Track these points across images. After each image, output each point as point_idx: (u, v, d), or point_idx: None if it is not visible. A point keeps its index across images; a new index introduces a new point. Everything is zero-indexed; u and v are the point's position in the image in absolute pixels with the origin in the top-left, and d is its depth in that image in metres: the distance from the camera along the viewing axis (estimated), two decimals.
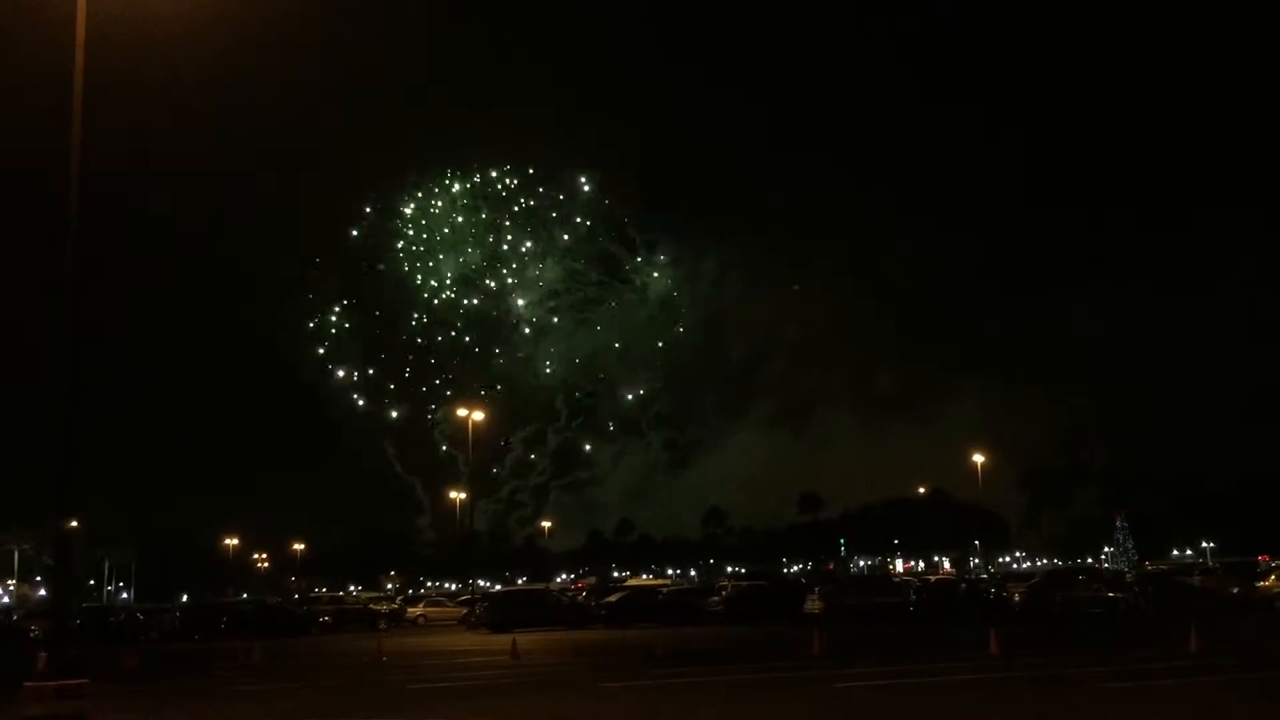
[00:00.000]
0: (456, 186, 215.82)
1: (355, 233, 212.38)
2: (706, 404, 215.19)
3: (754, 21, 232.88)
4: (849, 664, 26.46)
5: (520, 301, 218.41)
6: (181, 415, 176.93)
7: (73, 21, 15.46)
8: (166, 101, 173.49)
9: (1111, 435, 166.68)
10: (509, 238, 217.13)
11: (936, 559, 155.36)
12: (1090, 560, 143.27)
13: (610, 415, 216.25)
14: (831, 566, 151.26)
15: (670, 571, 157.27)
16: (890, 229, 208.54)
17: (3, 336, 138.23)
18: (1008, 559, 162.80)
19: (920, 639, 35.78)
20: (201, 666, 34.95)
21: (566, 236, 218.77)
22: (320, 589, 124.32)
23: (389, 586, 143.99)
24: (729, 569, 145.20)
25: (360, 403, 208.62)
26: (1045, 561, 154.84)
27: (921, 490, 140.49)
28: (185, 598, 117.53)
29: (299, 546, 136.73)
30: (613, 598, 57.67)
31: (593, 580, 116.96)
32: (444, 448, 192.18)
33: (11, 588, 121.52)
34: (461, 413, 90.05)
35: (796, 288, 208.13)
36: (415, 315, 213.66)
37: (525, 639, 38.88)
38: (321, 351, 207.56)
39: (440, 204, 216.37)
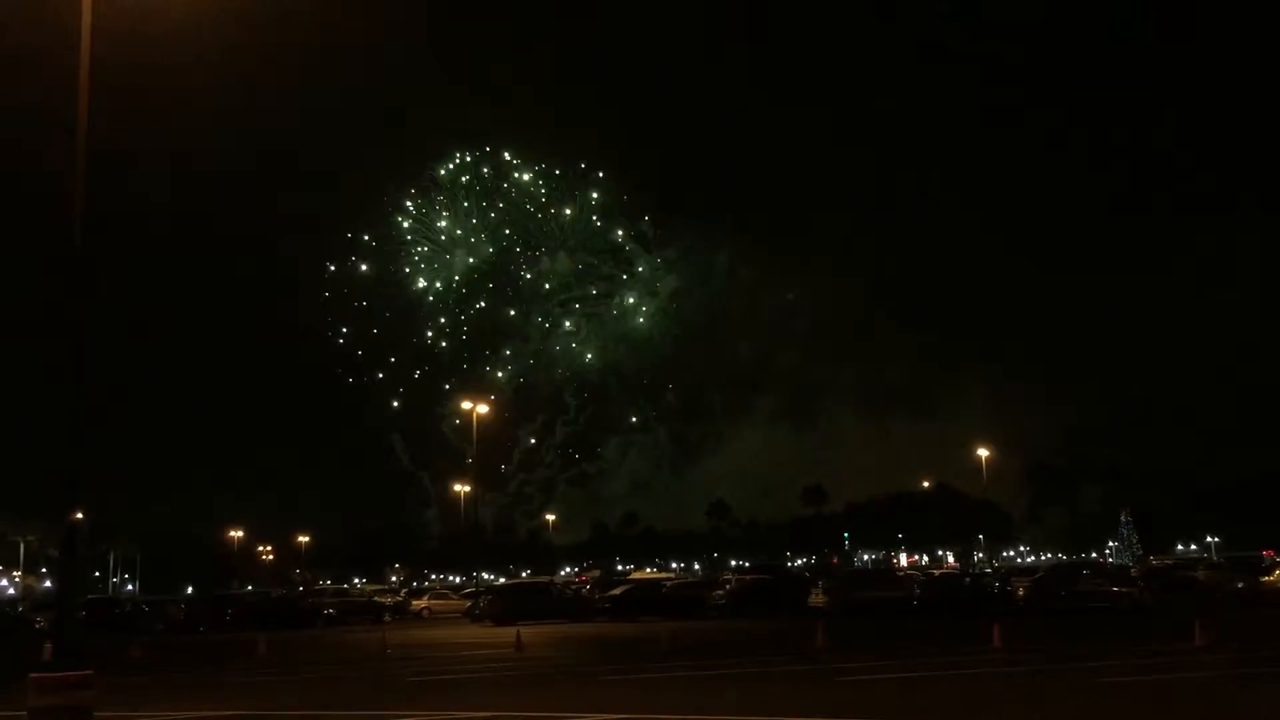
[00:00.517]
0: (466, 177, 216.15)
1: (365, 228, 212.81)
2: (713, 398, 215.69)
3: (761, 17, 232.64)
4: (852, 657, 26.47)
5: (531, 296, 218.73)
6: (186, 410, 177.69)
7: (75, 21, 15.46)
8: (167, 99, 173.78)
9: (1116, 430, 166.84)
10: (519, 234, 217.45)
11: (940, 553, 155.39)
12: (1094, 555, 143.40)
13: (619, 409, 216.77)
14: (835, 560, 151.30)
15: (674, 565, 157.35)
16: (897, 227, 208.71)
17: (6, 332, 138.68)
18: (1012, 553, 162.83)
19: (924, 632, 35.77)
20: (206, 658, 35.02)
21: (577, 232, 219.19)
22: (325, 581, 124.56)
23: (393, 579, 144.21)
24: (733, 563, 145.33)
25: (369, 396, 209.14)
26: (1049, 556, 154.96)
27: (925, 484, 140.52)
28: (190, 590, 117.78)
29: (303, 539, 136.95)
30: (616, 591, 57.70)
31: (597, 573, 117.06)
32: (450, 438, 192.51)
33: (17, 579, 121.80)
34: (466, 405, 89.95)
35: (791, 296, 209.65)
36: (425, 310, 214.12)
37: (529, 632, 38.91)
38: (330, 343, 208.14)
39: (452, 199, 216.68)
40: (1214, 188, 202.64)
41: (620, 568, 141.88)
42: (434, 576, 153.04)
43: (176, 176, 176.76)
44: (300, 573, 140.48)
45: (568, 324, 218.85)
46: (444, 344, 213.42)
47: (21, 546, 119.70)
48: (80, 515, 16.34)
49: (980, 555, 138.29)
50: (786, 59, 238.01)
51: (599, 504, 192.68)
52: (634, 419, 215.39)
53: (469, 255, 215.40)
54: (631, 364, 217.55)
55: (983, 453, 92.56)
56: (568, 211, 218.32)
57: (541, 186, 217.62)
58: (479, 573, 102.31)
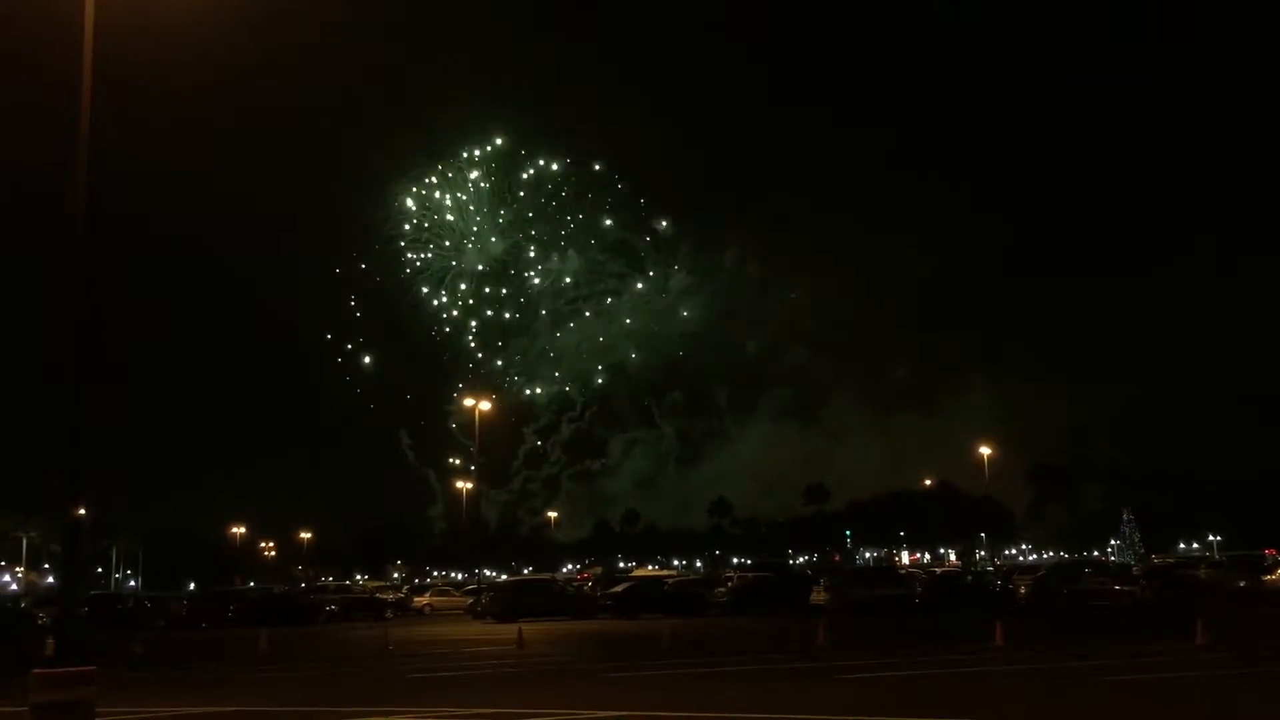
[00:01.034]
0: (475, 173, 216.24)
1: (374, 223, 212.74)
2: (720, 395, 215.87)
3: (766, 16, 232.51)
4: (854, 655, 26.47)
5: (541, 293, 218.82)
6: (190, 407, 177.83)
7: (77, 23, 15.46)
8: (170, 95, 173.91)
9: (1118, 428, 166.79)
10: (528, 232, 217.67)
11: (942, 551, 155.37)
12: (1096, 553, 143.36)
13: (625, 405, 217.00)
14: (837, 558, 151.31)
15: (676, 562, 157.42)
16: (900, 226, 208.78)
17: (7, 328, 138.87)
18: (1013, 552, 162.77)
19: (925, 630, 35.76)
20: (209, 654, 35.05)
21: (588, 228, 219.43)
22: (327, 578, 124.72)
23: (395, 576, 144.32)
24: (735, 560, 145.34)
25: (375, 390, 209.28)
26: (1051, 554, 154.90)
27: (927, 483, 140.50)
28: (192, 586, 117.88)
29: (306, 535, 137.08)
30: (618, 589, 57.70)
31: (598, 571, 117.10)
32: (455, 434, 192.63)
33: (20, 575, 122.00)
34: (469, 403, 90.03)
35: (794, 295, 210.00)
36: (434, 306, 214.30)
37: (531, 629, 38.93)
38: (337, 341, 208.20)
39: (461, 194, 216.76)
40: (1215, 187, 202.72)
41: (622, 565, 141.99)
42: (436, 573, 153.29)
43: (177, 176, 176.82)
44: (302, 569, 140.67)
45: (574, 323, 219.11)
46: (452, 341, 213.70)
47: (24, 542, 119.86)
48: (82, 511, 16.35)
49: (982, 553, 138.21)
50: (786, 59, 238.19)
51: (602, 501, 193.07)
52: (640, 415, 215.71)
53: (477, 253, 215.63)
54: (639, 361, 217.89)
55: (985, 451, 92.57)
56: (578, 210, 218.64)
57: (550, 184, 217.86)
58: (481, 569, 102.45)
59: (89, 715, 13.90)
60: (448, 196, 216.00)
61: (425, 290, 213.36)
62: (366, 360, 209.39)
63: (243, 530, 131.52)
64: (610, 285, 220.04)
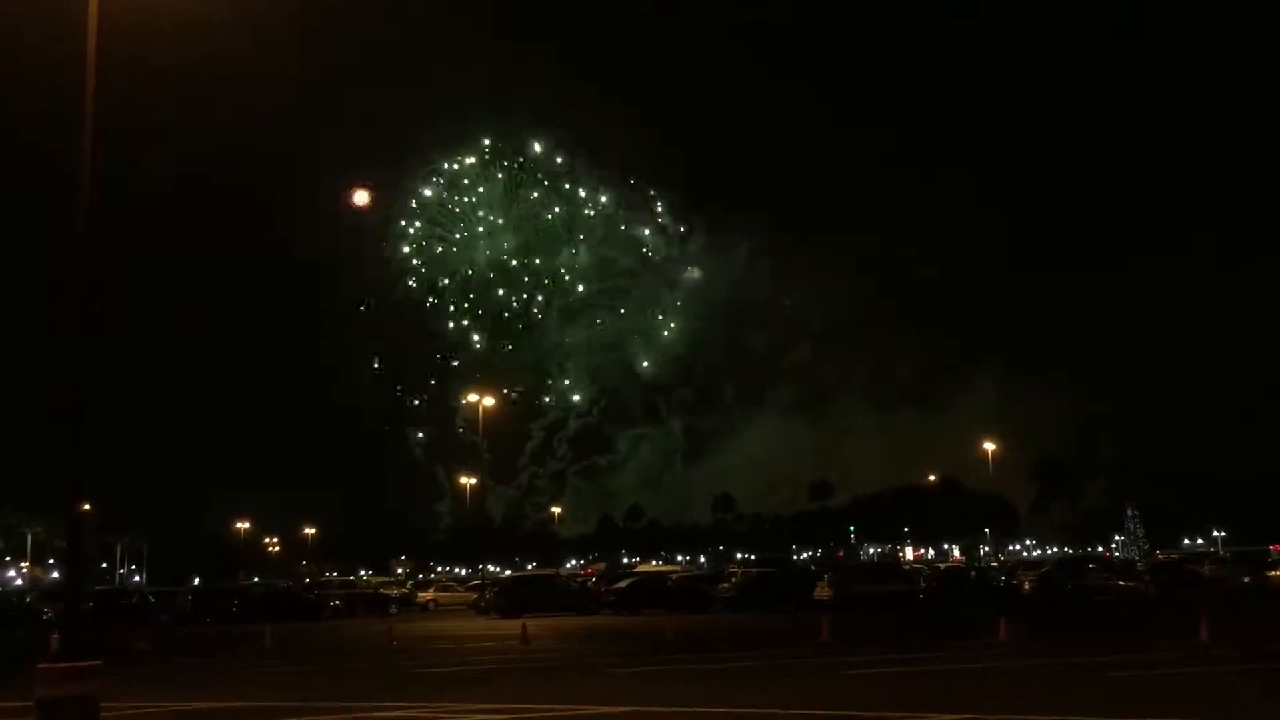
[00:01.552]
0: (483, 171, 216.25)
1: (382, 218, 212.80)
2: (726, 391, 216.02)
3: (761, 16, 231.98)
4: (858, 650, 26.48)
5: (550, 290, 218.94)
6: (194, 401, 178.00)
7: (78, 24, 15.45)
8: (172, 94, 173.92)
9: (1122, 424, 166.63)
10: (539, 228, 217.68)
11: (946, 547, 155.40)
12: (1100, 549, 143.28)
13: (634, 402, 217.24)
14: (841, 554, 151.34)
15: (680, 558, 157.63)
16: (905, 222, 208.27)
17: (10, 324, 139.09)
18: (1018, 547, 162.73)
19: (929, 626, 35.76)
20: (213, 649, 35.13)
21: (597, 225, 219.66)
22: (331, 573, 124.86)
23: (399, 571, 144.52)
24: (739, 556, 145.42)
25: (381, 386, 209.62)
26: (1055, 550, 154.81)
27: (931, 478, 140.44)
28: (197, 581, 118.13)
29: (310, 531, 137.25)
30: (622, 584, 57.74)
31: (602, 566, 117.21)
32: (461, 430, 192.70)
33: (24, 570, 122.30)
34: (473, 398, 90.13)
35: (788, 302, 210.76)
36: (442, 302, 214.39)
37: (535, 624, 38.95)
38: (343, 338, 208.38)
39: (470, 191, 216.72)
40: (1215, 187, 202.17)
41: (625, 561, 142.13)
42: (440, 569, 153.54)
43: (178, 176, 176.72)
44: (307, 565, 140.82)
45: (584, 320, 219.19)
46: (461, 337, 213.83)
47: (29, 537, 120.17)
48: (86, 507, 16.37)
49: (986, 549, 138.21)
50: (787, 59, 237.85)
51: (607, 497, 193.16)
52: (648, 413, 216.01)
53: (487, 248, 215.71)
54: (648, 358, 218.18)
55: (989, 447, 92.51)
56: (587, 208, 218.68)
57: (563, 180, 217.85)
58: (485, 565, 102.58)
59: (94, 710, 13.92)
60: (455, 194, 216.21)
61: (431, 287, 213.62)
62: (374, 357, 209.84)
63: (247, 526, 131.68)
64: (620, 283, 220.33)
